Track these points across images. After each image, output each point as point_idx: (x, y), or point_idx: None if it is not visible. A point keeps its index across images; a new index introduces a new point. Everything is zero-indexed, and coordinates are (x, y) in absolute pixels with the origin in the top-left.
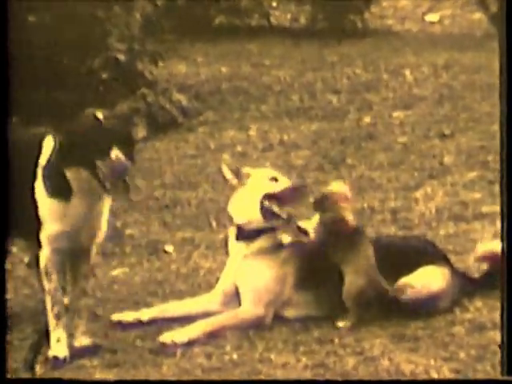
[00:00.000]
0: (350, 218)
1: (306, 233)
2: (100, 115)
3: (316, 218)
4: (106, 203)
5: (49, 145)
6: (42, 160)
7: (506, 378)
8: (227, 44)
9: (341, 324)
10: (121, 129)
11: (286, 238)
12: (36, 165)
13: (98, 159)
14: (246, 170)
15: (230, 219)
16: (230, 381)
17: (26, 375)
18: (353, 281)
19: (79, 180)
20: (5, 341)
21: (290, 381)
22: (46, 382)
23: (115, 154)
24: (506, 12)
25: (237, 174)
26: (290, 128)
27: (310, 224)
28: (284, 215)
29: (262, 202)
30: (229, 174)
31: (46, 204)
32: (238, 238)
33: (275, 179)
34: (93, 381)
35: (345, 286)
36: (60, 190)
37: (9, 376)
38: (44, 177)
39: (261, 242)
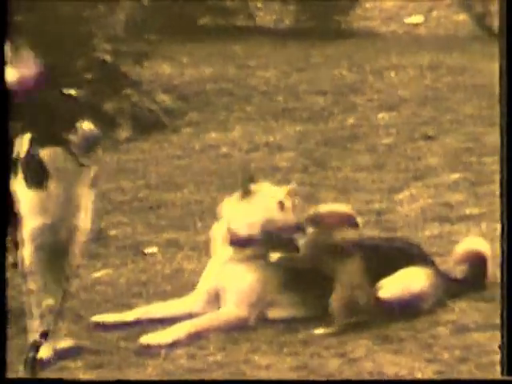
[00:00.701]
0: (340, 239)
1: (296, 248)
2: (72, 92)
3: (309, 232)
4: (88, 197)
5: (27, 139)
6: (21, 153)
7: (506, 378)
8: (212, 45)
9: (320, 331)
10: (89, 101)
11: (275, 256)
12: (14, 160)
13: (70, 133)
14: (259, 183)
15: (221, 221)
16: (213, 381)
17: (26, 375)
18: (340, 294)
19: (55, 160)
20: (5, 341)
21: (274, 381)
22: (46, 382)
23: (86, 125)
24: (506, 12)
25: (249, 183)
26: (274, 129)
27: (302, 238)
28: (284, 240)
29: (264, 224)
30: (241, 183)
31: (25, 197)
32: (230, 243)
33: (282, 205)
34: (94, 381)
35: (332, 297)
36: (38, 178)
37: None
38: (23, 169)
39: (251, 250)
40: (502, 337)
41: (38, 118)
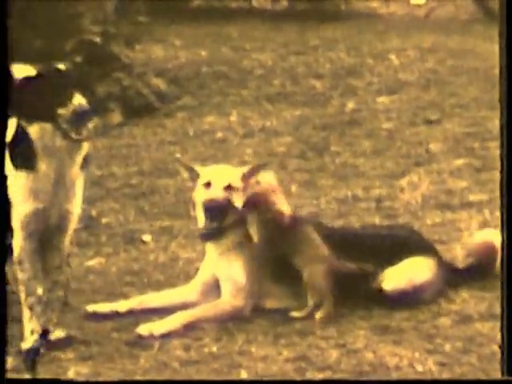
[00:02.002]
0: (284, 209)
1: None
2: (62, 66)
3: (254, 219)
4: (79, 179)
5: (13, 123)
6: (8, 137)
7: (505, 378)
8: (206, 27)
9: (317, 316)
10: (79, 76)
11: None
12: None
13: (60, 108)
14: (197, 168)
15: None
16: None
17: (26, 375)
18: (312, 271)
19: (43, 137)
20: (5, 341)
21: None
22: (46, 381)
23: (77, 99)
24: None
25: (190, 172)
26: (271, 114)
27: (252, 227)
28: (214, 225)
29: (203, 209)
30: (184, 173)
31: (15, 180)
32: (203, 240)
33: (209, 184)
34: (95, 381)
35: (305, 278)
36: (27, 158)
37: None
38: (11, 152)
39: (228, 240)
40: (502, 337)
41: (24, 94)
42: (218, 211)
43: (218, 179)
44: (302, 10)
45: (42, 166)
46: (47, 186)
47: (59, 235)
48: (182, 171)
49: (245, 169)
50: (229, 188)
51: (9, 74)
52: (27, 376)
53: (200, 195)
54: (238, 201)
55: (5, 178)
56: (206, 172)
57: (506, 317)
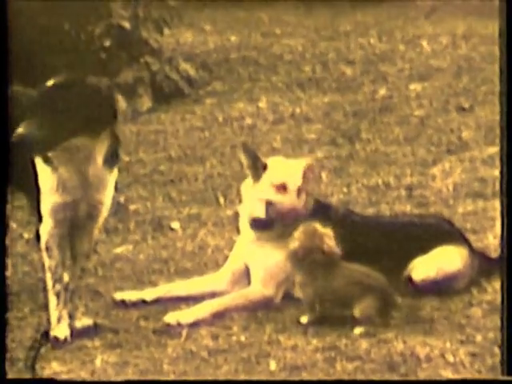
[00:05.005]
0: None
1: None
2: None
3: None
4: (109, 173)
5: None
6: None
7: (506, 378)
8: (236, 11)
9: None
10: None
11: None
12: None
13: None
14: (265, 160)
15: (242, 203)
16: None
17: (26, 375)
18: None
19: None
20: (4, 340)
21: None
22: (46, 381)
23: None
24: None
25: (255, 163)
26: (301, 100)
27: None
28: (281, 226)
29: (266, 205)
30: (246, 163)
31: (44, 173)
32: (252, 228)
33: (283, 187)
34: (97, 381)
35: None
36: (61, 157)
37: (9, 377)
38: None
39: (275, 232)
40: (502, 337)
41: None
42: (292, 218)
43: (291, 180)
44: None
45: (65, 165)
46: (74, 181)
47: (89, 224)
48: (243, 158)
49: (303, 164)
50: (299, 191)
51: None
52: (27, 375)
53: (267, 193)
54: (302, 202)
55: (6, 173)
56: (274, 165)
57: (505, 317)
